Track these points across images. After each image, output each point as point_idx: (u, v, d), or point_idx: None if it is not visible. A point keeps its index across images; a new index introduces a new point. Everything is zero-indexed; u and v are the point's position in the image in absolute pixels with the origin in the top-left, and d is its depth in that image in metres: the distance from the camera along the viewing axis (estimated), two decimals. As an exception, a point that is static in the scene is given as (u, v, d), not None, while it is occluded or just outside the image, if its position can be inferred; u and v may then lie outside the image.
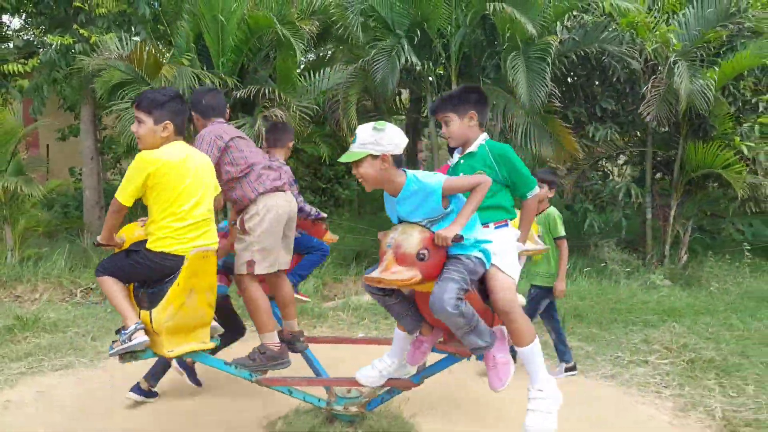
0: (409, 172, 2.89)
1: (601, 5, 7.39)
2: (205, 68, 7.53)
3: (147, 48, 7.42)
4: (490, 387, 3.02)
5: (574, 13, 7.62)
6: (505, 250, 3.01)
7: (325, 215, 4.68)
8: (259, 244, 3.53)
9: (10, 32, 13.94)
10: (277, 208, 3.61)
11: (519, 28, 6.71)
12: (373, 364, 3.30)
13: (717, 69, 7.17)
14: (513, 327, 2.91)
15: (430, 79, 7.77)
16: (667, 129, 8.55)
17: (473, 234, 2.86)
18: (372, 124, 2.86)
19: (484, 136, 3.22)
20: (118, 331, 3.06)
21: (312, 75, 7.85)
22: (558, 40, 6.85)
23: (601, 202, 8.27)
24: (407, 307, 3.07)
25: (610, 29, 7.55)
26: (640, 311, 6.60)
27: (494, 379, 3.00)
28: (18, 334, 5.57)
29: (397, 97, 9.79)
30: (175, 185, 2.99)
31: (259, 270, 3.53)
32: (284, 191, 3.72)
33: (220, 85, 7.16)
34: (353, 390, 3.65)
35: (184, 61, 7.24)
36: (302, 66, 8.13)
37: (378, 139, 2.80)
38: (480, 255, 2.86)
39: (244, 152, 3.67)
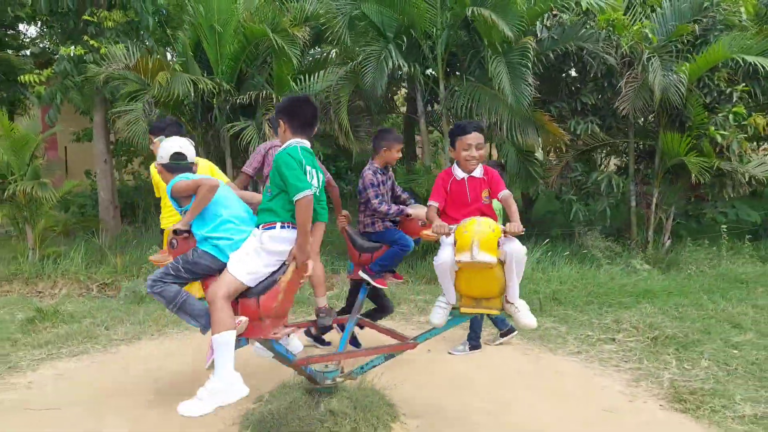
0: (177, 176, 3.56)
1: (579, 4, 7.74)
2: (205, 74, 8.03)
3: (153, 57, 7.96)
4: None
5: (554, 12, 7.97)
6: (243, 250, 3.38)
7: (410, 212, 4.71)
8: None
9: (27, 40, 14.61)
10: None
11: (496, 31, 7.11)
12: None
13: (688, 63, 7.51)
14: (212, 316, 3.28)
15: (421, 79, 8.22)
16: (650, 120, 8.92)
17: (202, 231, 3.44)
18: None
19: (288, 144, 3.45)
20: None
21: (307, 78, 8.31)
22: (534, 40, 7.23)
23: (587, 192, 8.64)
24: None
25: (587, 27, 7.91)
26: (616, 294, 6.96)
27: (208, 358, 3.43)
28: (39, 325, 6.13)
29: (392, 96, 10.21)
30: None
31: None
32: None
33: (217, 91, 7.66)
34: (330, 365, 4.13)
35: (177, 67, 7.72)
36: (298, 69, 8.57)
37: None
38: (207, 249, 3.41)
39: (270, 158, 4.79)
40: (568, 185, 8.58)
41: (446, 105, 8.18)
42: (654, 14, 8.24)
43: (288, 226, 3.36)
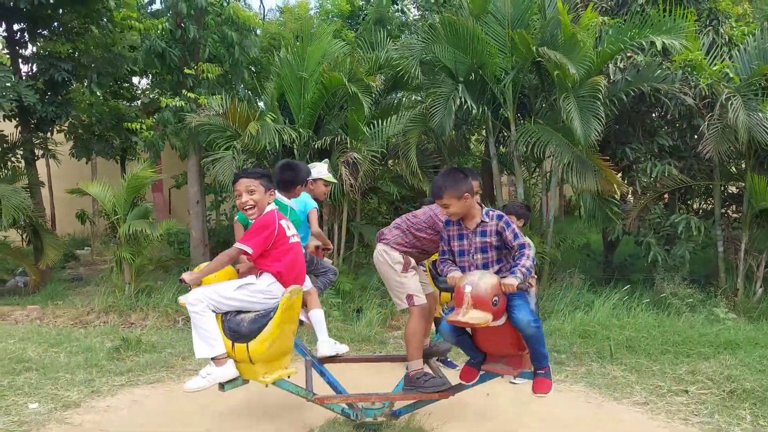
0: None
1: (654, 44, 7.60)
2: (287, 122, 8.52)
3: (242, 105, 8.57)
4: None
5: (628, 54, 7.86)
6: None
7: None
8: None
9: (139, 92, 16.03)
10: None
11: (565, 72, 7.13)
12: None
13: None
14: None
15: (490, 121, 8.31)
16: (737, 162, 8.51)
17: None
18: None
19: None
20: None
21: (381, 122, 8.61)
22: (605, 79, 7.16)
23: (665, 235, 8.30)
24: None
25: (663, 68, 7.74)
26: (695, 344, 6.58)
27: None
28: (123, 353, 6.59)
29: (465, 137, 10.34)
30: None
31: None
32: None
33: (298, 138, 8.10)
34: (376, 402, 4.23)
35: (268, 119, 8.21)
36: (371, 115, 8.90)
37: None
38: None
39: None
40: (646, 228, 8.29)
41: (514, 147, 8.21)
42: (738, 53, 7.94)
43: None
